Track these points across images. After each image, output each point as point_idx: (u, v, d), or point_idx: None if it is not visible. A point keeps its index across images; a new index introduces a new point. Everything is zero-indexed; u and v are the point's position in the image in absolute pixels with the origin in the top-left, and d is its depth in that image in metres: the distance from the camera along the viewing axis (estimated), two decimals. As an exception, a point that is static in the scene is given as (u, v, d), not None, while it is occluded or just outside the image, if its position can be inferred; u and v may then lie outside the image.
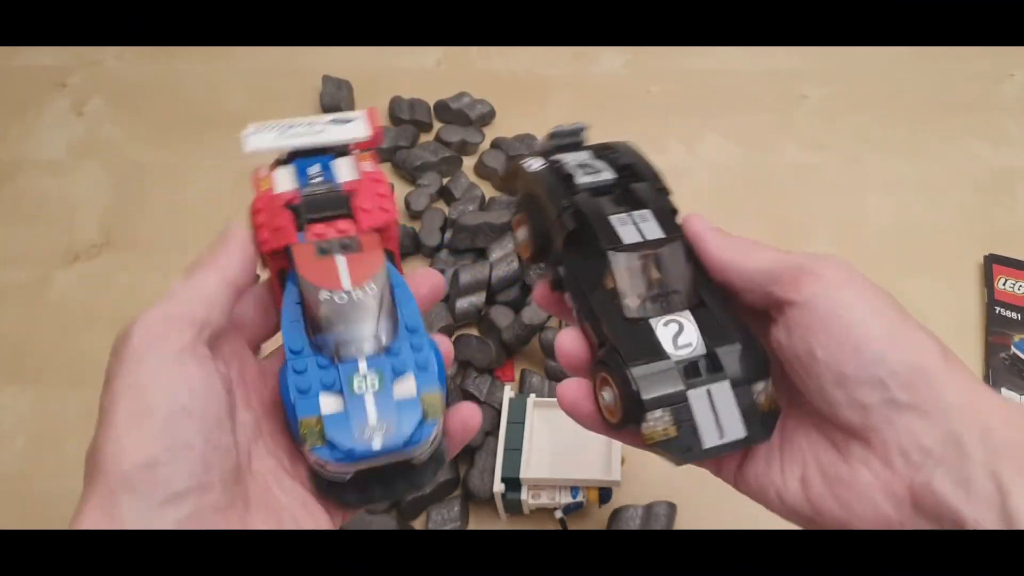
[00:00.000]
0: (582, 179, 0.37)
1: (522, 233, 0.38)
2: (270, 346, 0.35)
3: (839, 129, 0.73)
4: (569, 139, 0.40)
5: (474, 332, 0.59)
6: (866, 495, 0.29)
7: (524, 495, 0.50)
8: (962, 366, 0.30)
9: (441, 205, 0.67)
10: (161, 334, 0.28)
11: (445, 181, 0.68)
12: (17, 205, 0.70)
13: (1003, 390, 0.56)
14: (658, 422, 0.31)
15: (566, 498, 0.50)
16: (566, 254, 0.35)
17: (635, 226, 0.35)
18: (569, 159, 0.38)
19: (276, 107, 0.77)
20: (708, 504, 0.52)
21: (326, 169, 0.36)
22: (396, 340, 0.32)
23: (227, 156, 0.73)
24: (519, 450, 0.50)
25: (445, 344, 0.34)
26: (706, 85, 0.77)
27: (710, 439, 0.31)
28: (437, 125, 0.74)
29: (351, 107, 0.75)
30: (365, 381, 0.31)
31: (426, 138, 0.73)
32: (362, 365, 0.31)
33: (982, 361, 0.58)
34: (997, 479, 0.26)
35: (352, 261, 0.33)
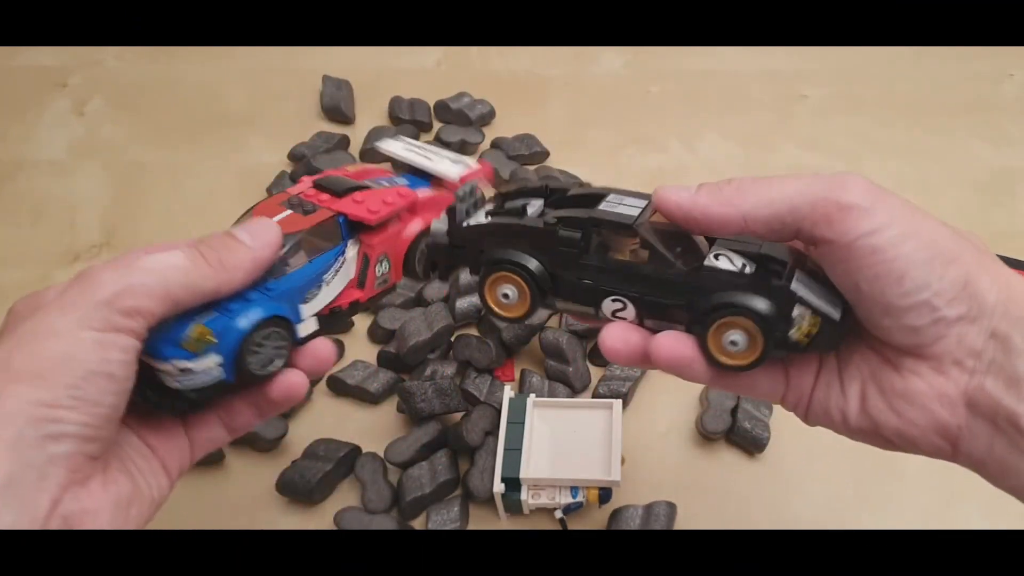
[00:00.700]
0: (530, 209, 0.36)
1: (510, 290, 0.35)
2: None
3: (839, 129, 0.73)
4: (471, 198, 0.38)
5: (474, 332, 0.59)
6: (921, 403, 0.30)
7: (524, 495, 0.50)
8: (993, 259, 0.31)
9: (441, 205, 0.67)
10: (126, 307, 0.29)
11: (445, 181, 0.68)
12: (17, 205, 0.70)
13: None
14: (801, 320, 0.31)
15: (566, 498, 0.50)
16: (578, 272, 0.34)
17: (621, 205, 0.34)
18: (491, 207, 0.37)
19: (276, 107, 0.77)
20: (708, 504, 0.52)
21: (408, 181, 0.41)
22: (257, 288, 0.34)
23: (227, 156, 0.73)
24: (519, 450, 0.50)
25: (321, 351, 0.36)
26: (706, 85, 0.77)
27: (834, 312, 0.31)
28: (437, 125, 0.74)
29: (351, 107, 0.75)
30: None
31: (426, 138, 0.73)
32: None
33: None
34: None
35: (289, 217, 0.36)
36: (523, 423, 0.52)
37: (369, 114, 0.75)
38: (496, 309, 0.36)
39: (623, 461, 0.51)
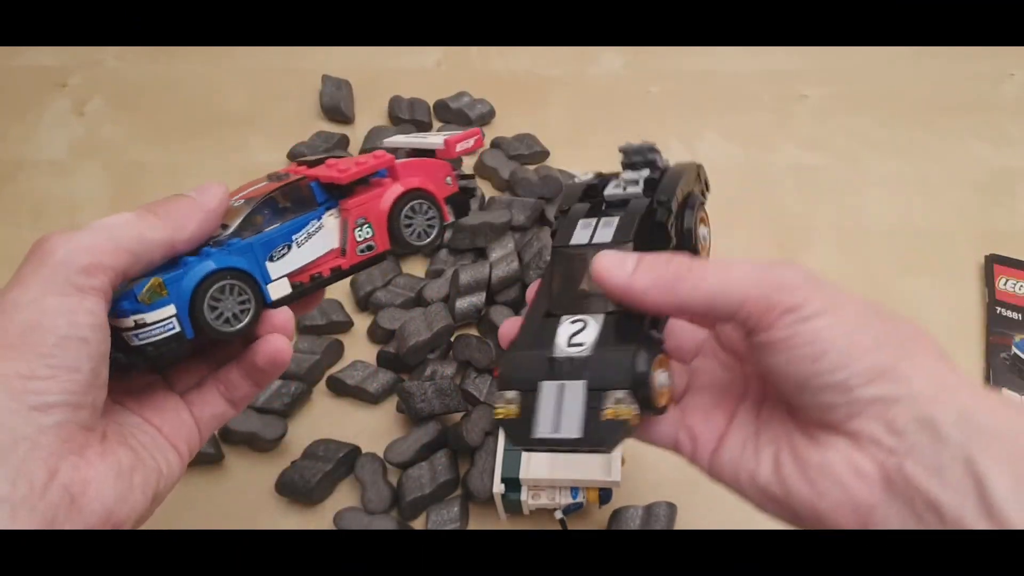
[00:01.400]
0: (611, 191, 0.38)
1: None
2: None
3: (839, 129, 0.73)
4: (637, 156, 0.40)
5: (474, 332, 0.59)
6: (835, 475, 0.29)
7: (524, 495, 0.50)
8: (931, 353, 0.30)
9: (441, 205, 0.67)
10: (83, 265, 0.29)
11: (445, 181, 0.68)
12: (18, 205, 0.70)
13: (1004, 390, 0.56)
14: (506, 401, 0.32)
15: (566, 498, 0.50)
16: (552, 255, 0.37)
17: (593, 230, 0.36)
18: (627, 176, 0.39)
19: (276, 107, 0.77)
20: (708, 504, 0.52)
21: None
22: (219, 246, 0.35)
23: (227, 156, 0.73)
24: (519, 450, 0.50)
25: (284, 314, 0.36)
26: (706, 85, 0.77)
27: (542, 430, 0.31)
28: (437, 125, 0.74)
29: (351, 107, 0.75)
30: None
31: (426, 138, 0.73)
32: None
33: (983, 361, 0.58)
34: (973, 466, 0.26)
35: (263, 186, 0.37)
36: (523, 423, 0.52)
37: (369, 114, 0.75)
38: None
39: (623, 461, 0.51)
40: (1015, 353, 0.57)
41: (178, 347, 0.33)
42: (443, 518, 0.50)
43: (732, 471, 0.33)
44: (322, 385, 0.58)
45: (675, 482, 0.53)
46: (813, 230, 0.66)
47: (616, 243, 0.35)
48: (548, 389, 0.32)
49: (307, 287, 0.37)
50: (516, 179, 0.66)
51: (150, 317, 0.32)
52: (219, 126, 0.75)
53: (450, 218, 0.42)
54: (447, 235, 0.64)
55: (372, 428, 0.55)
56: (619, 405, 0.31)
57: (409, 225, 0.39)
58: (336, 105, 0.74)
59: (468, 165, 0.71)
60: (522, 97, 0.76)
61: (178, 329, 0.33)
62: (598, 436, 0.31)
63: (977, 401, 0.28)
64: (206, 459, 0.53)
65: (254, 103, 0.77)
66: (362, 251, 0.39)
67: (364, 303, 0.61)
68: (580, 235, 0.36)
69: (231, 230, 0.35)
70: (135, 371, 0.34)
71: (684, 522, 0.51)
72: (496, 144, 0.71)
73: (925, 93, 0.75)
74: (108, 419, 0.32)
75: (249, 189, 0.38)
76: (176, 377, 0.37)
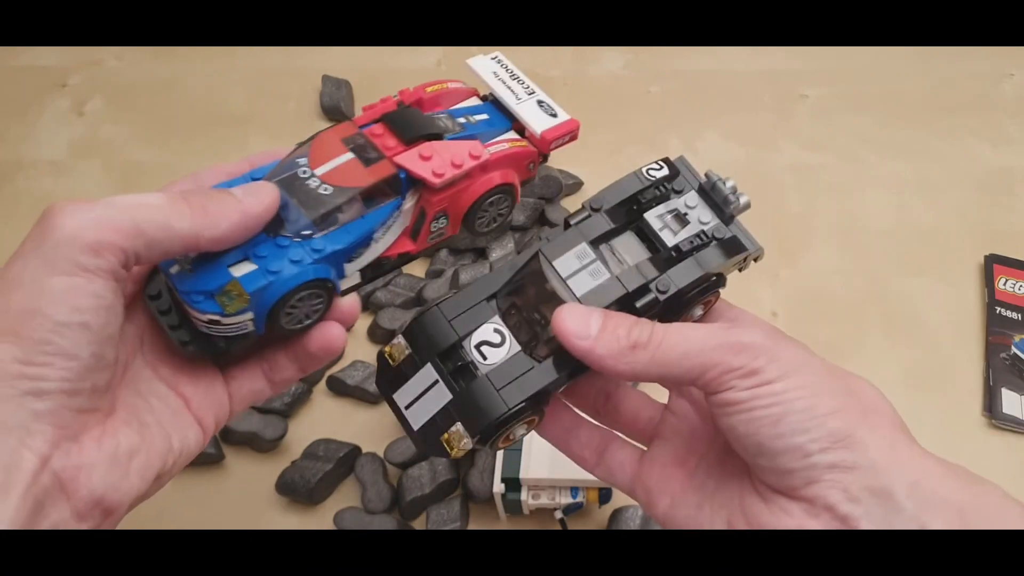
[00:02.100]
0: (653, 220, 0.36)
1: None
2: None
3: (839, 129, 0.73)
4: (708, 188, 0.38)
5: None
6: None
7: (524, 495, 0.50)
8: (888, 423, 0.30)
9: (441, 205, 0.67)
10: (89, 242, 0.27)
11: (445, 181, 0.68)
12: (17, 205, 0.70)
13: (1003, 390, 0.56)
14: (399, 348, 0.34)
15: (566, 498, 0.50)
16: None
17: (581, 268, 0.34)
18: (688, 211, 0.37)
19: (276, 107, 0.77)
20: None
21: (488, 126, 0.37)
22: (295, 241, 0.32)
23: (227, 156, 0.73)
24: (519, 450, 0.50)
25: (346, 309, 0.35)
26: (706, 85, 0.77)
27: (400, 399, 0.34)
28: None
29: (351, 107, 0.75)
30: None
31: (426, 138, 0.73)
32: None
33: (982, 361, 0.58)
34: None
35: (350, 164, 0.33)
36: (523, 423, 0.52)
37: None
38: None
39: (623, 461, 0.51)
40: (1015, 353, 0.57)
41: (246, 342, 0.33)
42: (443, 518, 0.50)
43: (684, 524, 0.33)
44: (322, 385, 0.58)
45: (675, 482, 0.53)
46: (813, 230, 0.66)
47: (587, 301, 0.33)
48: (426, 374, 0.33)
49: (375, 273, 0.35)
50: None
51: (228, 321, 0.31)
52: (219, 126, 0.75)
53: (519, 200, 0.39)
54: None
55: (372, 428, 0.55)
56: (454, 436, 0.32)
57: (482, 216, 0.37)
58: (336, 105, 0.74)
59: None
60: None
61: (251, 328, 0.32)
62: (427, 443, 0.33)
63: (930, 472, 0.29)
64: (206, 459, 0.53)
65: (254, 103, 0.77)
66: (433, 238, 0.37)
67: (364, 303, 0.61)
68: (566, 263, 0.34)
69: (308, 221, 0.32)
70: (191, 355, 0.33)
71: (684, 522, 0.51)
72: (496, 144, 0.71)
73: (925, 93, 0.75)
74: (128, 388, 0.31)
75: (334, 162, 0.33)
76: None
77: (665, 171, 0.37)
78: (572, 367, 0.33)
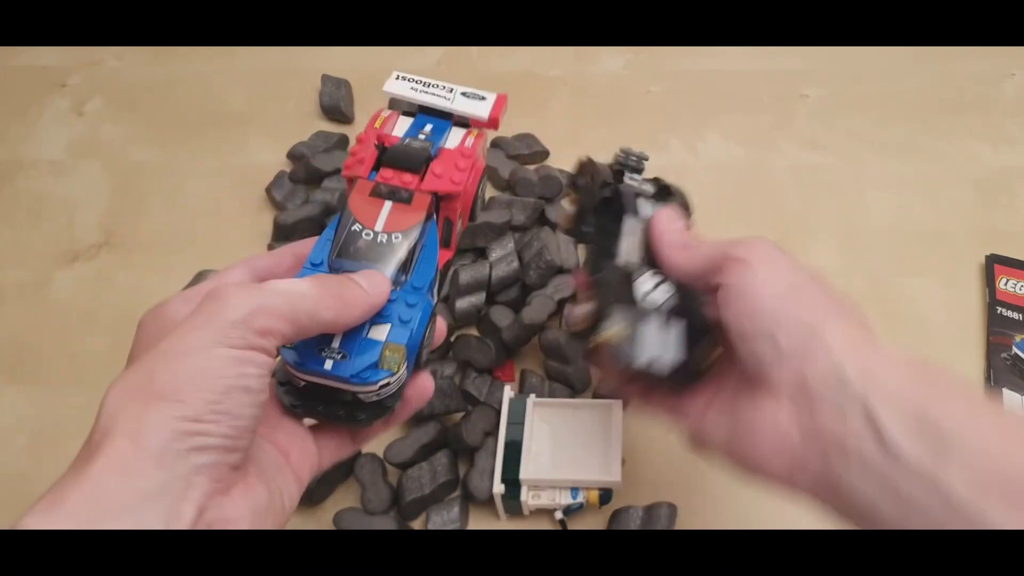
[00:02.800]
0: (637, 186, 0.46)
1: (568, 207, 0.49)
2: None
3: (839, 129, 0.73)
4: (633, 161, 0.48)
5: (474, 332, 0.59)
6: (763, 432, 0.35)
7: (524, 496, 0.50)
8: (856, 322, 0.35)
9: (441, 205, 0.67)
10: (259, 327, 0.30)
11: (445, 181, 0.68)
12: (17, 205, 0.70)
13: (1004, 390, 0.56)
14: (614, 327, 0.38)
15: (566, 499, 0.50)
16: (596, 218, 0.45)
17: (653, 210, 0.44)
18: (633, 177, 0.47)
19: (276, 107, 0.77)
20: (708, 505, 0.52)
21: (438, 132, 0.41)
22: (398, 291, 0.35)
23: (227, 156, 0.73)
24: (519, 451, 0.50)
25: (440, 324, 0.39)
26: (706, 85, 0.77)
27: (646, 353, 0.38)
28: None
29: (350, 106, 0.75)
30: None
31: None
32: None
33: (983, 361, 0.58)
34: (870, 412, 0.31)
35: (395, 210, 0.37)
36: (523, 423, 0.52)
37: (368, 114, 0.75)
38: (561, 217, 0.56)
39: (623, 462, 0.51)
40: (1015, 353, 0.57)
41: (400, 393, 0.36)
42: (443, 518, 0.50)
43: (709, 438, 0.39)
44: (322, 385, 0.58)
45: (675, 483, 0.53)
46: (813, 230, 0.66)
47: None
48: (650, 323, 0.39)
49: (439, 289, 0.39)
50: (516, 179, 0.66)
51: (396, 379, 0.34)
52: (219, 126, 0.75)
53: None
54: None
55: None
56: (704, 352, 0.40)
57: (476, 201, 0.42)
58: (336, 105, 0.74)
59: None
60: (522, 97, 0.76)
61: (406, 377, 0.35)
62: (689, 376, 0.39)
63: (882, 362, 0.33)
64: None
65: (254, 103, 0.77)
66: (459, 239, 0.41)
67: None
68: (645, 212, 0.44)
69: (395, 270, 0.36)
70: (356, 424, 0.36)
71: (684, 523, 0.51)
72: (496, 144, 0.71)
73: (925, 93, 0.75)
74: (250, 452, 0.33)
75: (384, 213, 0.37)
76: None
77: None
78: None
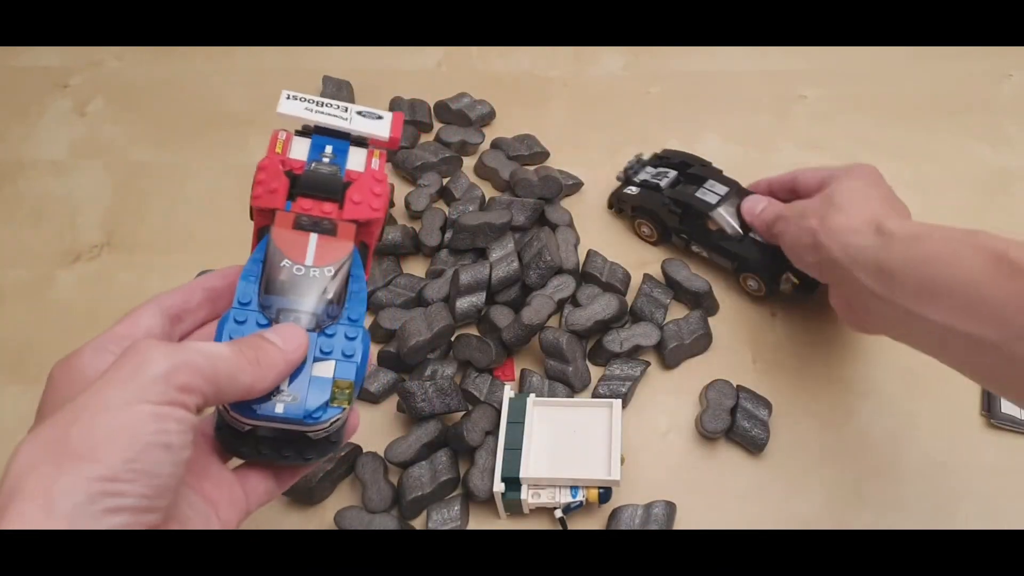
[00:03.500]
0: (663, 182, 0.64)
1: (646, 229, 0.65)
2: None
3: (838, 129, 0.73)
4: (637, 167, 0.67)
5: (474, 332, 0.59)
6: (794, 233, 0.53)
7: (524, 495, 0.50)
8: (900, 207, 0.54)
9: (441, 205, 0.67)
10: (181, 383, 0.29)
11: (445, 181, 0.68)
12: (19, 205, 0.70)
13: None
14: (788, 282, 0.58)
15: (566, 498, 0.50)
16: (681, 227, 0.62)
17: (710, 191, 0.61)
18: (646, 175, 0.65)
19: (276, 107, 0.77)
20: (708, 504, 0.52)
21: (339, 153, 0.39)
22: (334, 325, 0.35)
23: (227, 156, 0.73)
24: (519, 450, 0.51)
25: (371, 356, 0.39)
26: (706, 85, 0.77)
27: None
28: (437, 125, 0.74)
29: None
30: None
31: (426, 138, 0.73)
32: None
33: (981, 361, 0.58)
34: (876, 218, 0.48)
35: (322, 242, 0.36)
36: (523, 423, 0.52)
37: (369, 114, 0.75)
38: (640, 237, 0.66)
39: (623, 461, 0.51)
40: (1014, 353, 0.57)
41: (344, 428, 0.36)
42: (443, 517, 0.51)
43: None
44: (322, 385, 0.58)
45: (674, 482, 0.53)
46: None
47: (731, 191, 0.62)
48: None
49: None
50: (516, 180, 0.66)
51: (346, 413, 0.35)
52: (219, 126, 0.75)
53: None
54: (447, 235, 0.64)
55: (372, 428, 0.56)
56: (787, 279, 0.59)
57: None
58: (336, 105, 0.74)
59: (468, 167, 0.71)
60: (522, 97, 0.76)
61: (348, 408, 0.35)
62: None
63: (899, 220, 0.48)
64: (207, 459, 0.53)
65: (254, 103, 0.77)
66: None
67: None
68: (709, 197, 0.61)
69: (331, 304, 0.35)
70: (304, 463, 0.36)
71: (683, 521, 0.51)
72: (496, 145, 0.71)
73: (925, 93, 0.76)
74: (173, 510, 0.32)
75: (311, 246, 0.36)
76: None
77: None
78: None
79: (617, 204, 0.66)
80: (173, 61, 0.80)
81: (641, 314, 0.59)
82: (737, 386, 0.56)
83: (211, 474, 0.35)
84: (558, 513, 0.50)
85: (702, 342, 0.59)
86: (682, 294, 0.61)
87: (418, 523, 0.52)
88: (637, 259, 0.64)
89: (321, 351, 0.35)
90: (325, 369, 0.34)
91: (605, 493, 0.50)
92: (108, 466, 0.27)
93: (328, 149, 0.39)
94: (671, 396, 0.57)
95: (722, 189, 0.61)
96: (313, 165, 0.38)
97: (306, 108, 0.40)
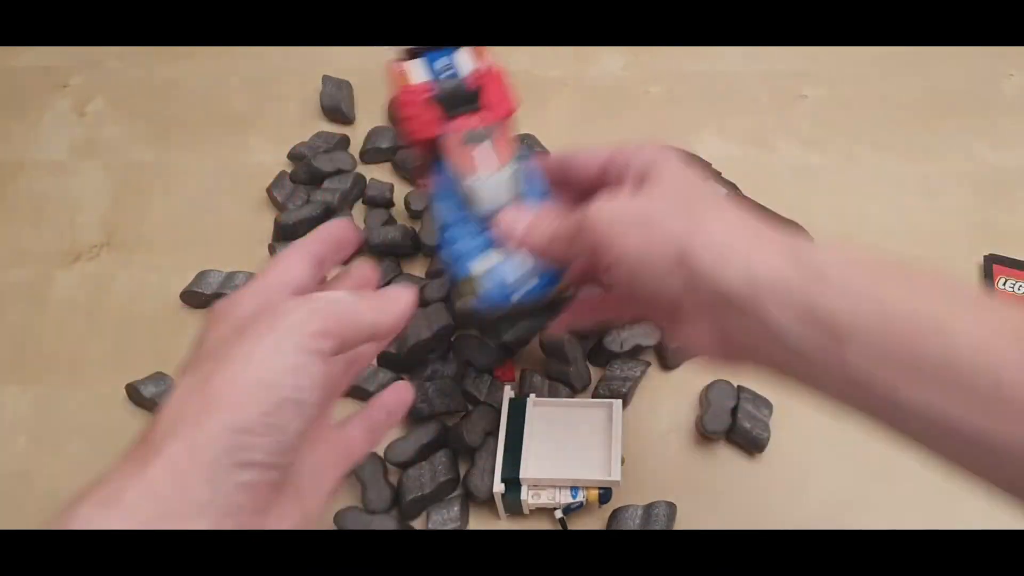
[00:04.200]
0: None
1: None
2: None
3: (838, 129, 0.73)
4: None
5: (474, 332, 0.59)
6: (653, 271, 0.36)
7: (524, 495, 0.50)
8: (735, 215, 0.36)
9: (441, 205, 0.67)
10: (315, 330, 0.30)
11: (445, 181, 0.68)
12: (19, 205, 0.70)
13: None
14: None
15: (566, 498, 0.50)
16: None
17: None
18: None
19: (276, 107, 0.77)
20: (708, 504, 0.52)
21: (451, 63, 0.44)
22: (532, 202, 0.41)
23: (227, 156, 0.73)
24: (519, 450, 0.50)
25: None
26: (706, 85, 0.77)
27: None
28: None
29: (351, 107, 0.75)
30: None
31: (426, 138, 0.73)
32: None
33: (981, 361, 0.58)
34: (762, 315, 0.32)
35: (493, 147, 0.41)
36: (523, 423, 0.52)
37: (369, 114, 0.75)
38: None
39: (623, 461, 0.51)
40: (1014, 353, 0.57)
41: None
42: (443, 518, 0.51)
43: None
44: (322, 385, 0.58)
45: (675, 482, 0.53)
46: (812, 230, 0.66)
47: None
48: None
49: None
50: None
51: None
52: (220, 126, 0.75)
53: None
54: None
55: (372, 428, 0.56)
56: None
57: None
58: (336, 105, 0.74)
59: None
60: (522, 97, 0.76)
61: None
62: None
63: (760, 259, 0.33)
64: (207, 459, 0.53)
65: (254, 103, 0.77)
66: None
67: (364, 303, 0.61)
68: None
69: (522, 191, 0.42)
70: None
71: (684, 522, 0.51)
72: (496, 144, 0.71)
73: (924, 93, 0.76)
74: (289, 474, 0.33)
75: (485, 160, 0.41)
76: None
77: None
78: None
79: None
80: (173, 61, 0.80)
81: (641, 314, 0.59)
82: (738, 386, 0.56)
83: (324, 436, 0.37)
84: (558, 513, 0.50)
85: (702, 342, 0.59)
86: (682, 294, 0.61)
87: (418, 523, 0.52)
88: (637, 259, 0.64)
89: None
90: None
91: (605, 493, 0.50)
92: (246, 419, 0.28)
93: (442, 62, 0.44)
94: (672, 396, 0.57)
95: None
96: (440, 84, 0.42)
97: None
